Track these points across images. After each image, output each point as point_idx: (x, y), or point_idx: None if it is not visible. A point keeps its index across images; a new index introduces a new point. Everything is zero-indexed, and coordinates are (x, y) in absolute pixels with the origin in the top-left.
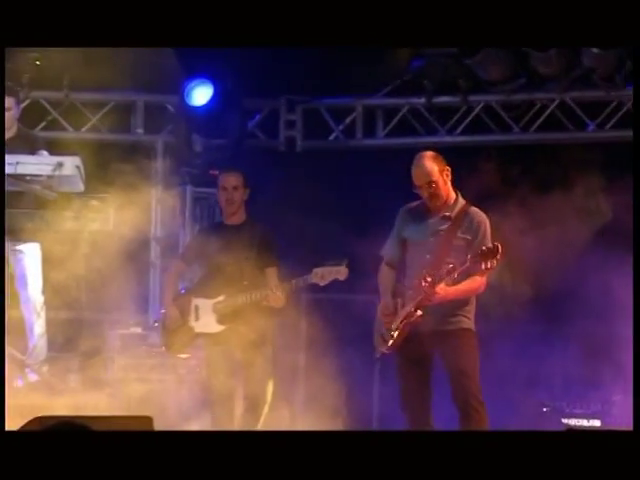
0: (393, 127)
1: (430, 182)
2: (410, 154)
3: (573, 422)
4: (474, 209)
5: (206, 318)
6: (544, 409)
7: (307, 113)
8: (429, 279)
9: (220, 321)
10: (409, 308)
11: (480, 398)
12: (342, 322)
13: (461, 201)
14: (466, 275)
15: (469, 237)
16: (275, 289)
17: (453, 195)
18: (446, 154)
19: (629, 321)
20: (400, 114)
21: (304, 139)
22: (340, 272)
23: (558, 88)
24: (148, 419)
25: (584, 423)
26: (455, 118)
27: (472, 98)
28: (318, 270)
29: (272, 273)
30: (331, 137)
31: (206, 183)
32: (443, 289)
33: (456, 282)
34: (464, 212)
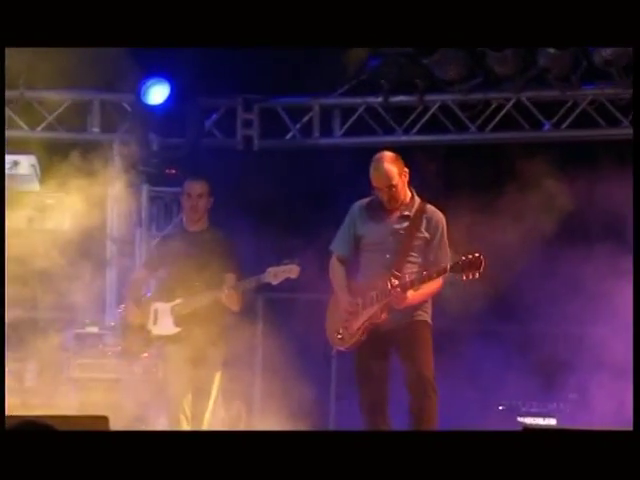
0: (350, 126)
1: (390, 185)
2: (367, 153)
3: (529, 421)
4: (430, 207)
5: (163, 321)
6: (500, 408)
7: (264, 112)
8: (396, 282)
9: (176, 323)
10: (373, 310)
11: (433, 384)
12: (297, 321)
13: (417, 200)
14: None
15: (428, 236)
16: (230, 290)
17: (409, 194)
18: (403, 153)
19: (587, 320)
20: (357, 113)
21: (261, 138)
22: (292, 271)
23: (514, 88)
24: (104, 419)
25: (540, 422)
26: (412, 117)
27: (428, 97)
28: (271, 269)
29: (231, 279)
30: (288, 136)
31: (163, 182)
32: (411, 294)
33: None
34: (421, 211)
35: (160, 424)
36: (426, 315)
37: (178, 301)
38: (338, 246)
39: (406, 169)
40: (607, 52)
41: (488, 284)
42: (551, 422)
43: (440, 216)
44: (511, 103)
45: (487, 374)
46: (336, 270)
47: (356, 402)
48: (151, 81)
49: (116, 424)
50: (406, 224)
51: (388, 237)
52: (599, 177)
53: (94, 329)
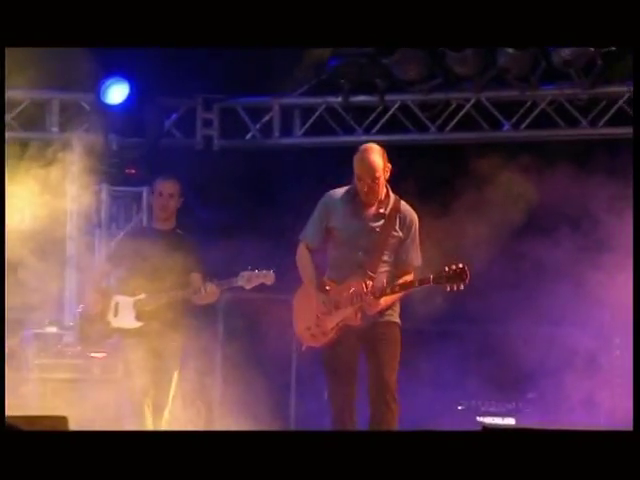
0: (310, 126)
1: (374, 178)
2: (327, 153)
3: (488, 420)
4: (404, 205)
5: (125, 314)
6: (459, 407)
7: (224, 112)
8: (370, 283)
9: (138, 318)
10: (348, 312)
11: (395, 394)
12: (258, 321)
13: (392, 197)
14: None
15: (402, 235)
16: (204, 286)
17: (385, 190)
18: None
19: (548, 319)
20: (317, 113)
21: (221, 138)
22: (267, 277)
23: (474, 88)
24: (63, 419)
25: (499, 421)
26: (372, 117)
27: (389, 97)
28: (245, 274)
29: (197, 278)
30: (248, 136)
31: (122, 182)
32: (384, 300)
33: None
34: (396, 209)
35: (120, 424)
36: (395, 315)
37: (141, 296)
38: (308, 236)
39: (389, 165)
40: (566, 52)
41: None
42: (510, 422)
43: (413, 215)
44: (471, 103)
45: (446, 374)
46: (305, 261)
47: (316, 403)
48: (110, 80)
49: (76, 424)
50: (382, 222)
51: (362, 233)
52: (557, 175)
53: (53, 329)
